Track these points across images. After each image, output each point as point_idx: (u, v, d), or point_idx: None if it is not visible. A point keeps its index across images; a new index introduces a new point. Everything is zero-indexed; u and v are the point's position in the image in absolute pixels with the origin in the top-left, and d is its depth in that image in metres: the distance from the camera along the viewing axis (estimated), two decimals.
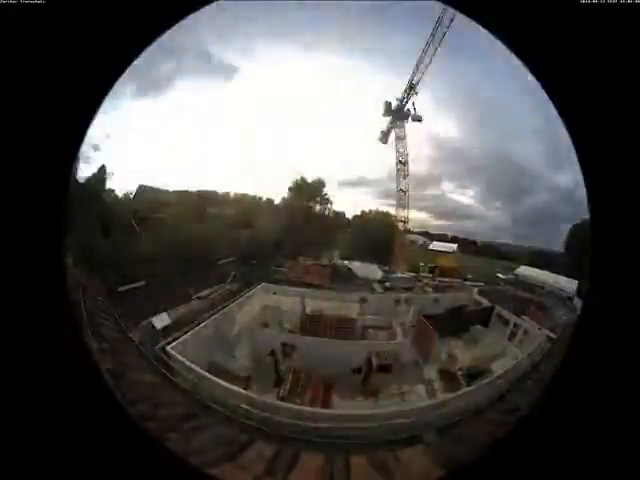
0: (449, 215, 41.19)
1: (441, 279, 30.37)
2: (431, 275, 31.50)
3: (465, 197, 42.66)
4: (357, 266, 31.35)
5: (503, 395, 11.99)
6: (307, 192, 36.16)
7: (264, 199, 37.88)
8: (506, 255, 36.93)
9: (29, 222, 3.26)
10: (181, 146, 32.91)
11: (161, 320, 15.96)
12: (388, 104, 32.43)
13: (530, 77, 3.83)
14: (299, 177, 35.95)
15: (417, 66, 28.95)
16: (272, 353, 14.91)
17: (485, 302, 22.83)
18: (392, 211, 34.48)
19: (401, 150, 32.71)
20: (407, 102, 31.28)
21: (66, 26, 3.23)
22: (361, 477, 8.46)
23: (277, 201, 37.59)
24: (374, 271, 30.94)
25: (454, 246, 37.55)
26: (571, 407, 3.48)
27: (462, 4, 3.90)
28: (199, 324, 15.98)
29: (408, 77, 29.84)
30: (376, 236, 35.14)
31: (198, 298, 21.09)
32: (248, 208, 35.20)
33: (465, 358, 17.02)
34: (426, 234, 40.56)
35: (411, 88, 30.42)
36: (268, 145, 39.20)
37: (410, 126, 32.12)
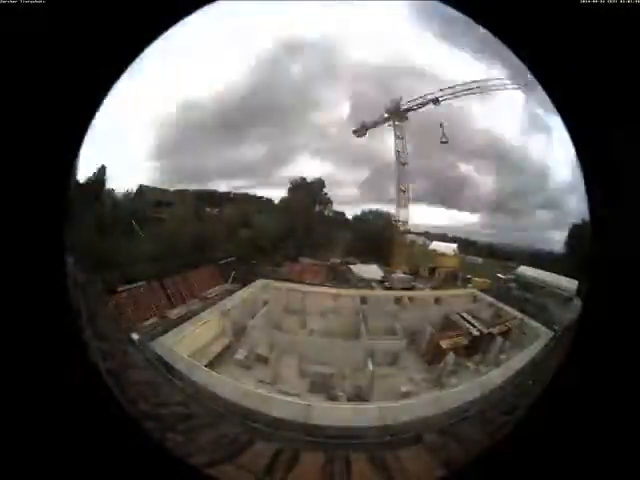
0: None
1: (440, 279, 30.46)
2: (431, 275, 31.52)
3: None
4: (357, 266, 31.35)
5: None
6: (307, 192, 36.11)
7: (264, 199, 37.87)
8: (506, 255, 36.93)
9: (30, 222, 3.26)
10: None
11: None
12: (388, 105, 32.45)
13: None
14: (299, 177, 35.93)
15: None
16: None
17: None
18: (392, 211, 34.44)
19: (401, 150, 32.69)
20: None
21: (66, 26, 3.23)
22: (361, 477, 8.46)
23: (277, 201, 37.56)
24: (374, 271, 30.94)
25: (454, 246, 37.50)
26: (571, 407, 3.48)
27: (463, 4, 3.90)
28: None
29: None
30: (376, 236, 35.11)
31: (198, 298, 21.09)
32: (248, 208, 35.20)
33: None
34: (426, 234, 40.54)
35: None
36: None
37: None
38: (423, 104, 30.42)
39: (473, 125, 35.98)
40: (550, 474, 3.45)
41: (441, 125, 30.17)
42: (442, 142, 30.57)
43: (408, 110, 31.50)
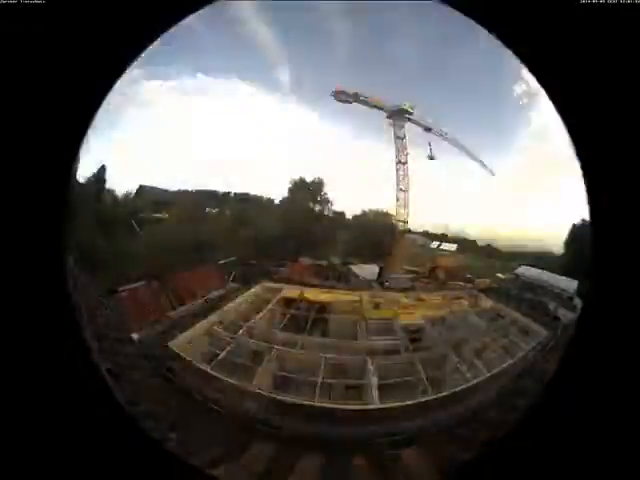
0: None
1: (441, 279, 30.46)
2: (431, 275, 31.53)
3: None
4: (357, 266, 31.37)
5: None
6: (306, 192, 36.10)
7: (264, 199, 37.88)
8: (506, 255, 36.91)
9: (29, 222, 3.26)
10: None
11: None
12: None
13: None
14: (298, 177, 35.92)
15: None
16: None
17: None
18: (392, 211, 34.41)
19: (400, 149, 32.71)
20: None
21: (66, 26, 3.23)
22: (361, 477, 8.47)
23: (277, 201, 37.56)
24: (374, 271, 30.94)
25: (454, 246, 37.50)
26: (571, 407, 3.48)
27: (460, 3, 3.89)
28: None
29: None
30: (376, 236, 35.10)
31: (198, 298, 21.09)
32: (248, 208, 35.23)
33: None
34: (426, 234, 40.49)
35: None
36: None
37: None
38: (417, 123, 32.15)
39: None
40: (550, 474, 3.45)
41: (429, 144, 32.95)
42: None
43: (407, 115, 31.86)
